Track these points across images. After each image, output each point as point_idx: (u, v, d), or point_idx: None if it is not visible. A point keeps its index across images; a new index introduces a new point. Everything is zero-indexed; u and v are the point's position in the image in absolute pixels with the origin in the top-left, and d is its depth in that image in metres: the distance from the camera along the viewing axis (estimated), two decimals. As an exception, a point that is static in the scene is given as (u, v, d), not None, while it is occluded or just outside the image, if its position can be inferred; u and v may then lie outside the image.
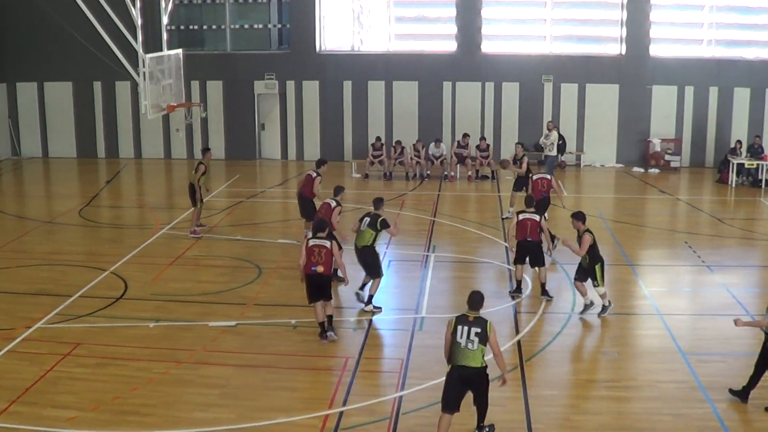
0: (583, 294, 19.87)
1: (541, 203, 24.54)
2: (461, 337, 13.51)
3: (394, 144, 37.75)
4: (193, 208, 27.82)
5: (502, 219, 29.19)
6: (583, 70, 39.54)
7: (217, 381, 16.54)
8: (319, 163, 26.16)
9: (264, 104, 41.83)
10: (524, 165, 28.78)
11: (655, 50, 39.27)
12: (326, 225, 19.18)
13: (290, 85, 41.13)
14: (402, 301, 21.63)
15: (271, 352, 18.05)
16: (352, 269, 20.32)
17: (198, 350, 18.01)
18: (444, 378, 13.80)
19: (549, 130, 34.81)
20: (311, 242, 18.43)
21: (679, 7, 39.34)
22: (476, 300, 13.88)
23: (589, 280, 19.68)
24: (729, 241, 27.18)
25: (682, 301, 21.71)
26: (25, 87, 42.32)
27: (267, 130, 42.01)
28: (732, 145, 36.74)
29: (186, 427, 14.62)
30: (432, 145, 37.56)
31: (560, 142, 38.21)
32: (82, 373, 16.82)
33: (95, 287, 22.17)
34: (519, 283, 21.44)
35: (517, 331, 19.04)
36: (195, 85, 40.36)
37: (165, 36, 32.15)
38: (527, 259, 21.23)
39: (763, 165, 35.19)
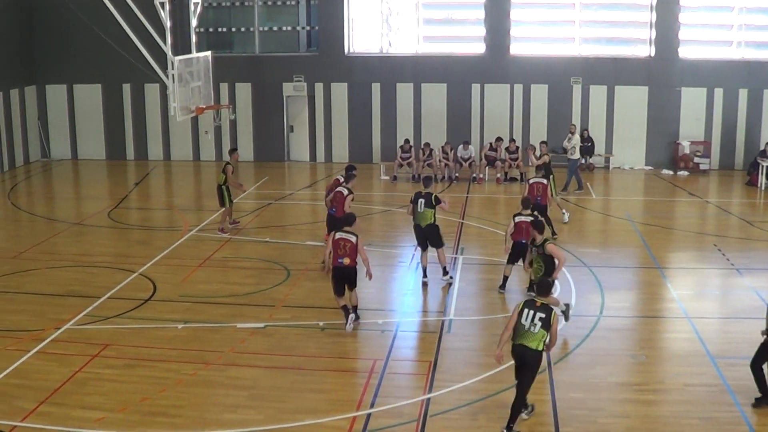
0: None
1: (534, 208, 24.37)
2: (526, 320, 14.31)
3: (422, 146, 37.70)
4: (222, 209, 28.00)
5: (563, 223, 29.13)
6: (612, 72, 39.37)
7: (245, 382, 16.61)
8: (349, 171, 24.59)
9: (292, 106, 41.87)
10: (543, 158, 28.50)
11: (685, 52, 39.03)
12: (354, 219, 19.63)
13: (319, 87, 41.15)
14: (430, 303, 21.68)
15: (299, 354, 18.11)
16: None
17: (226, 352, 18.08)
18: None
19: (571, 133, 34.66)
20: (337, 235, 19.12)
21: (708, 9, 39.09)
22: (545, 287, 14.95)
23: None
24: (758, 243, 26.98)
25: (710, 304, 21.59)
26: (54, 89, 42.52)
27: (295, 133, 42.04)
28: (762, 148, 36.45)
29: (214, 429, 14.69)
30: (460, 147, 37.50)
31: (588, 144, 38.23)
32: (111, 374, 16.93)
33: (124, 289, 22.30)
34: (506, 279, 21.98)
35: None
36: (224, 87, 40.45)
37: (194, 38, 32.25)
38: (520, 260, 21.43)
39: (793, 167, 34.99)
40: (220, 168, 28.33)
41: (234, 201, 28.66)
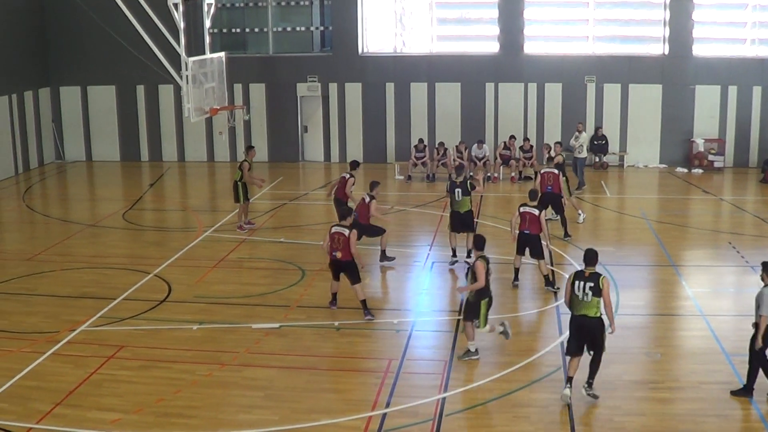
0: (469, 338, 17.84)
1: (545, 197, 24.64)
2: (578, 290, 15.38)
3: (436, 146, 37.69)
4: (239, 207, 28.10)
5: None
6: (626, 70, 39.30)
7: (260, 383, 16.65)
8: (353, 165, 27.01)
9: (307, 107, 41.92)
10: (557, 158, 28.38)
11: (698, 50, 38.93)
12: (349, 214, 20.47)
13: (333, 87, 41.18)
14: (445, 303, 21.70)
15: (314, 354, 18.15)
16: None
17: (241, 352, 18.11)
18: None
19: (578, 131, 34.60)
20: (333, 229, 19.96)
21: (722, 7, 38.95)
22: (591, 257, 15.71)
23: None
24: (773, 241, 26.98)
25: (725, 301, 21.53)
26: (68, 91, 42.63)
27: (310, 133, 42.08)
28: (776, 145, 36.50)
29: (229, 429, 14.72)
30: (474, 146, 37.45)
31: (602, 142, 38.15)
32: (126, 376, 16.98)
33: (139, 290, 22.37)
34: (517, 271, 22.48)
35: (560, 332, 18.97)
36: (238, 88, 40.54)
37: (208, 39, 32.24)
38: (526, 250, 22.12)
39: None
40: (235, 168, 28.44)
41: (251, 200, 28.74)
